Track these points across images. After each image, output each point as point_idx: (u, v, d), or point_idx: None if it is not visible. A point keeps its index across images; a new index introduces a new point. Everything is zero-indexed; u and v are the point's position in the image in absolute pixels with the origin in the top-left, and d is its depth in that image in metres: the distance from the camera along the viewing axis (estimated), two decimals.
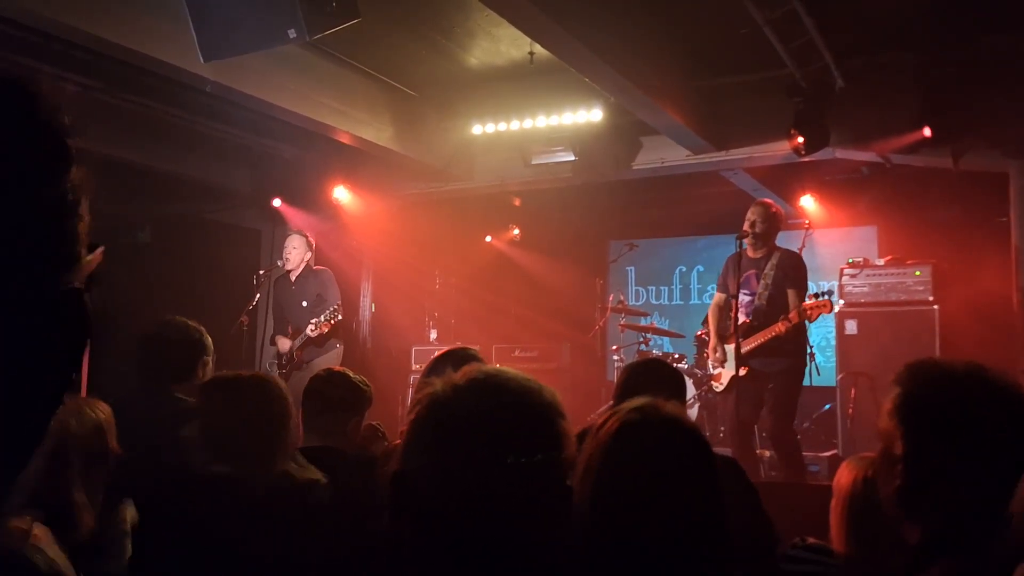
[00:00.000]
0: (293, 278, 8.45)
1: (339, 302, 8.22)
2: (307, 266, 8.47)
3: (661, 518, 1.78)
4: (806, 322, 6.91)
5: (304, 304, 8.32)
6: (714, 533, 1.82)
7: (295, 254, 8.38)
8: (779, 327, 6.79)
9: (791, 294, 6.87)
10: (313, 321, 8.01)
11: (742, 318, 6.99)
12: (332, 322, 8.02)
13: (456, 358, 3.62)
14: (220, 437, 2.99)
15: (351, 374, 4.06)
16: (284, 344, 8.30)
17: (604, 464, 1.78)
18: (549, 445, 1.51)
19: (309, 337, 8.07)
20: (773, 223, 7.08)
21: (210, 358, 4.14)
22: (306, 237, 8.54)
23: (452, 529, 1.47)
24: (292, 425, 3.16)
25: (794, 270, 7.01)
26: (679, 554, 1.78)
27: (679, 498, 1.81)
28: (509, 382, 1.57)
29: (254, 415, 3.00)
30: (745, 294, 7.06)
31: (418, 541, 1.50)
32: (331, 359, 8.09)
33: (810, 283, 7.16)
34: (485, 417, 1.51)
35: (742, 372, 6.84)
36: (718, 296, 7.38)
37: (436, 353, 3.90)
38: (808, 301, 6.82)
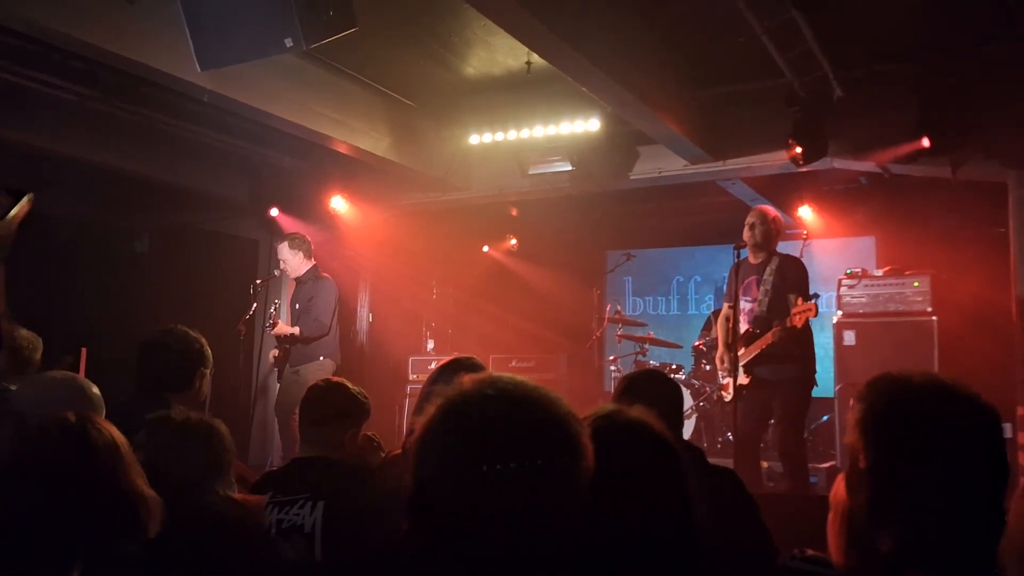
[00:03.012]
0: (293, 285, 8.52)
1: (322, 319, 8.18)
2: (312, 269, 8.45)
3: (627, 521, 1.79)
4: (810, 326, 6.87)
5: (296, 307, 8.32)
6: (681, 534, 1.84)
7: (288, 262, 8.40)
8: (768, 336, 6.77)
9: (792, 299, 6.82)
10: (269, 323, 8.09)
11: (744, 326, 6.97)
12: (283, 330, 8.04)
13: (462, 367, 3.63)
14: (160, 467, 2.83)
15: (349, 385, 4.04)
16: (283, 329, 8.32)
17: None
18: (567, 451, 1.52)
19: (276, 334, 8.10)
20: (772, 228, 7.06)
21: (208, 370, 4.11)
22: (288, 240, 8.45)
23: (469, 538, 1.47)
24: (232, 470, 3.09)
25: (794, 275, 6.98)
26: (647, 557, 1.79)
27: (644, 500, 1.82)
28: (523, 389, 1.57)
29: (197, 452, 2.95)
30: (746, 301, 7.03)
31: (435, 549, 1.50)
32: (312, 370, 8.01)
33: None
34: (502, 424, 1.51)
35: (744, 380, 6.81)
36: (726, 308, 7.35)
37: (440, 362, 3.89)
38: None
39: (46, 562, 2.21)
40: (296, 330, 8.08)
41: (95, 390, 3.45)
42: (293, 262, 8.39)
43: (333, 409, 3.86)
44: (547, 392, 1.59)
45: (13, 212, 2.56)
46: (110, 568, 2.36)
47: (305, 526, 3.39)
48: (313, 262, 8.50)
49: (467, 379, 1.61)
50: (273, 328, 8.11)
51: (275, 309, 8.20)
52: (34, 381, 3.56)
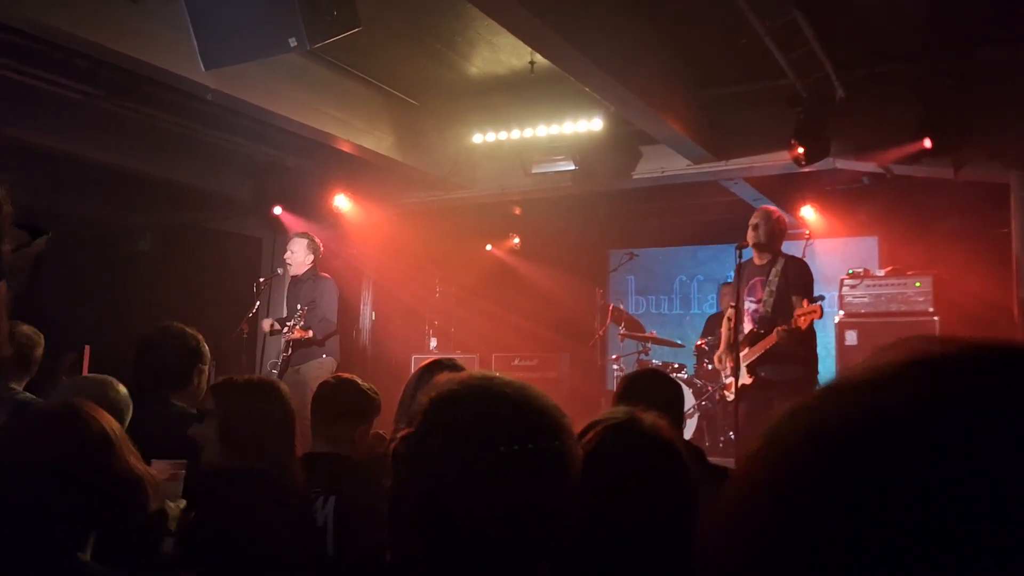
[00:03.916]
0: (289, 280, 8.53)
1: (330, 317, 8.18)
2: (311, 269, 8.46)
3: (631, 533, 1.82)
4: (814, 327, 6.86)
5: (297, 306, 8.33)
6: (683, 546, 1.86)
7: (295, 256, 8.40)
8: (772, 337, 6.76)
9: (796, 301, 6.81)
10: (289, 323, 8.05)
11: (748, 326, 6.98)
12: (304, 334, 8.03)
13: (443, 368, 3.66)
14: (239, 436, 3.12)
15: (360, 381, 4.08)
16: (265, 325, 8.43)
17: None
18: (552, 437, 1.54)
19: (291, 339, 8.08)
20: (776, 227, 7.05)
21: (206, 366, 4.13)
22: (308, 240, 8.51)
23: (478, 528, 1.48)
24: (297, 430, 3.32)
25: (798, 276, 6.96)
26: (648, 560, 1.82)
27: (650, 513, 1.85)
28: (509, 385, 1.59)
29: (270, 417, 3.18)
30: (751, 302, 7.04)
31: (422, 544, 1.51)
32: (315, 368, 8.02)
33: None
34: (490, 417, 1.52)
35: (748, 381, 6.81)
36: (729, 309, 7.34)
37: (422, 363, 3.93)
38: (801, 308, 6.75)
39: (54, 545, 2.27)
40: (310, 332, 8.08)
41: (122, 390, 3.58)
42: (303, 260, 8.41)
43: (342, 406, 3.90)
44: (527, 388, 1.61)
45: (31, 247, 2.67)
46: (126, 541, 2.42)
47: (317, 520, 3.42)
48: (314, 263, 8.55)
49: (447, 378, 1.63)
50: (291, 333, 8.09)
51: (301, 312, 8.19)
52: (69, 385, 3.75)
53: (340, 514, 3.41)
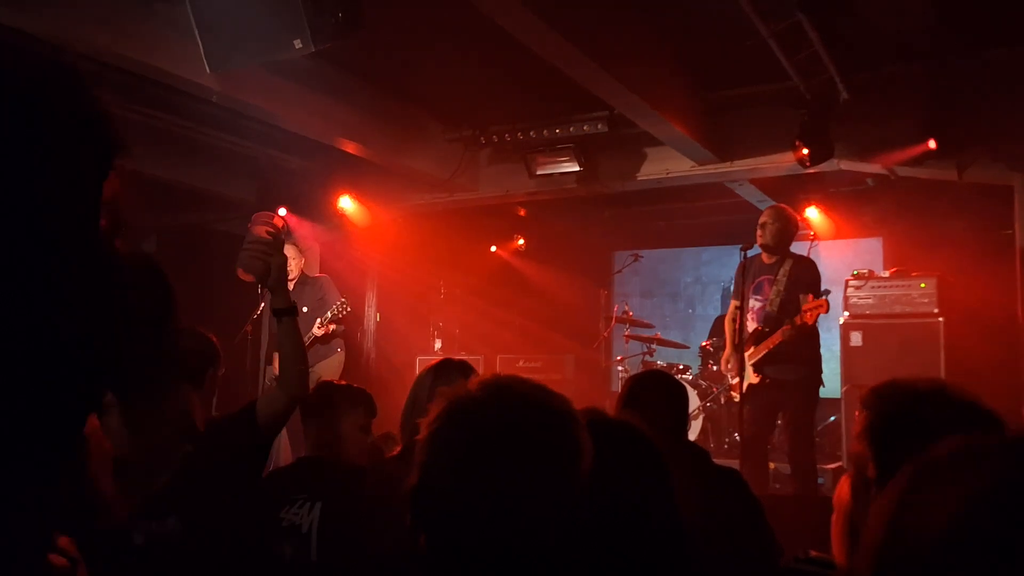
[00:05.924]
0: (291, 287, 8.51)
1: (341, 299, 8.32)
2: (302, 274, 8.52)
3: (613, 521, 1.82)
4: (817, 326, 6.86)
5: (305, 310, 8.35)
6: (667, 535, 1.86)
7: (291, 263, 8.42)
8: (777, 335, 6.76)
9: (803, 300, 6.81)
10: (318, 320, 8.08)
11: (753, 325, 6.98)
12: (340, 315, 8.10)
13: (456, 369, 3.67)
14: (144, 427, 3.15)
15: (330, 381, 4.15)
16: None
17: None
18: (567, 453, 1.56)
19: (315, 337, 8.10)
20: (785, 225, 7.06)
21: (221, 369, 4.15)
22: (294, 245, 8.57)
23: (469, 535, 1.50)
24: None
25: (807, 276, 6.98)
26: (635, 558, 1.82)
27: (630, 500, 1.85)
28: (528, 392, 1.60)
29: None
30: (757, 300, 7.05)
31: (438, 546, 1.53)
32: (333, 364, 8.11)
33: None
34: (510, 427, 1.54)
35: (755, 380, 6.81)
36: (732, 308, 7.35)
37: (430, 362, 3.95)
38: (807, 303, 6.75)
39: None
40: (333, 327, 8.21)
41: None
42: (298, 265, 8.50)
43: (307, 406, 3.92)
44: (549, 393, 1.62)
45: None
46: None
47: (303, 527, 3.43)
48: None
49: (473, 381, 1.65)
50: (321, 329, 8.18)
51: (341, 305, 8.27)
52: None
53: (325, 520, 3.42)
